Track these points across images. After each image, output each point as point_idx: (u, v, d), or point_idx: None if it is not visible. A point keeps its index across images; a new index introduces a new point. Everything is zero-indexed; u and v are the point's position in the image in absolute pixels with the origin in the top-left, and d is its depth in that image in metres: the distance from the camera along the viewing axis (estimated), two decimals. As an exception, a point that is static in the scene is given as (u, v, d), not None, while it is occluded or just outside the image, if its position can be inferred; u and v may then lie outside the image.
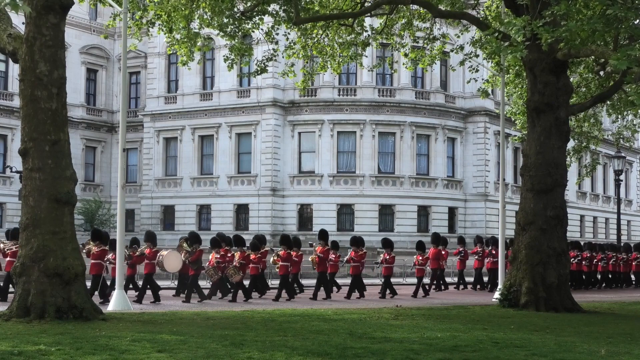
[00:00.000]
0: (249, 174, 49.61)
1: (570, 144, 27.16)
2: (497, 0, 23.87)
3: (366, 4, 23.58)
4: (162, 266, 21.35)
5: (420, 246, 25.24)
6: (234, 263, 21.39)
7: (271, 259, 22.94)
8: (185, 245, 21.68)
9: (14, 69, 46.66)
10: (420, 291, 24.40)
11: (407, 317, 16.20)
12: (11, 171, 45.30)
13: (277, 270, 22.64)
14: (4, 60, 49.09)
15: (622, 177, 45.22)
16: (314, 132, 48.81)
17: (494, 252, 27.01)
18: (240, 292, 21.48)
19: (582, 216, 60.64)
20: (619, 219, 42.54)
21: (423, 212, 49.29)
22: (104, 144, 57.03)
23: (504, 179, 24.31)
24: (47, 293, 13.83)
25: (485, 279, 28.32)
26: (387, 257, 23.90)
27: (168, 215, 52.39)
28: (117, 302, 17.27)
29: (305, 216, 48.94)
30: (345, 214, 48.53)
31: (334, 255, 23.21)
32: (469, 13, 23.23)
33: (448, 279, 28.67)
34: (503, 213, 23.16)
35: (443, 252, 26.32)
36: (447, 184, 50.16)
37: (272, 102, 48.58)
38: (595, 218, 63.15)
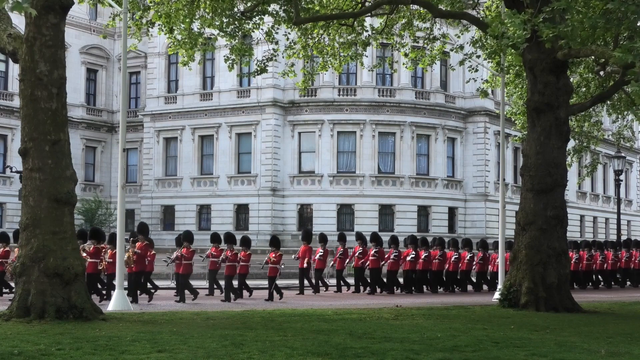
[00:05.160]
0: (249, 174, 49.60)
1: (571, 144, 27.17)
2: (497, 0, 23.87)
3: (366, 4, 23.59)
4: None
5: (275, 242, 22.67)
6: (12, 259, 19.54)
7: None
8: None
9: (14, 69, 46.65)
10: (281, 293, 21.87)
11: (407, 317, 16.21)
12: (11, 171, 45.22)
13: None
14: (4, 60, 49.09)
15: (622, 177, 45.16)
16: (314, 132, 48.79)
17: (414, 251, 26.07)
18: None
19: (582, 216, 60.64)
20: (619, 219, 42.50)
21: (423, 212, 49.27)
22: (104, 144, 57.03)
23: (504, 179, 24.31)
24: (47, 293, 13.84)
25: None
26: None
27: (168, 215, 52.38)
28: (117, 302, 17.27)
29: (305, 216, 48.91)
30: (345, 214, 48.50)
31: (186, 253, 20.85)
32: (469, 13, 23.22)
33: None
34: (503, 213, 23.17)
35: (322, 251, 24.86)
36: (447, 184, 50.15)
37: (272, 102, 48.57)
38: (595, 218, 63.14)
